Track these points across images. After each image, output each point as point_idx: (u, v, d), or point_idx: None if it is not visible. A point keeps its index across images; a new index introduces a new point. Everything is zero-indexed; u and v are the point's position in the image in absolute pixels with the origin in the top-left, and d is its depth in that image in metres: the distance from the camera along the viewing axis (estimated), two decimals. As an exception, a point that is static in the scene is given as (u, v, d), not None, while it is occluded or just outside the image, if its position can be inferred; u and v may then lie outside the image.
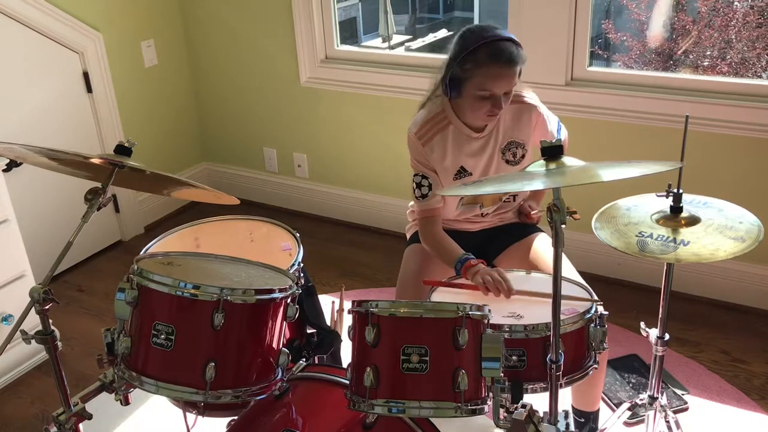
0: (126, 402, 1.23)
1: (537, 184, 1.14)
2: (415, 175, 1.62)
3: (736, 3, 3.75)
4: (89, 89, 2.74)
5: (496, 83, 1.45)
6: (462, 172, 1.61)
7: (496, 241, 1.71)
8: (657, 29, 4.09)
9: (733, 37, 3.76)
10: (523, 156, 1.64)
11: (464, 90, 1.49)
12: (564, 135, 1.71)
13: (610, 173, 1.13)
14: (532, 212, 1.72)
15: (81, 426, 1.21)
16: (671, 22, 3.96)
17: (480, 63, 1.45)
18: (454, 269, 1.50)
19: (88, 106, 2.76)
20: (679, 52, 3.86)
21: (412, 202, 1.85)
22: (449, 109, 1.58)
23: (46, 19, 2.53)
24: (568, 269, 1.55)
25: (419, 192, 1.61)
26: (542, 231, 1.73)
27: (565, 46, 2.33)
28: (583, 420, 1.67)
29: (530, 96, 1.63)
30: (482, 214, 1.70)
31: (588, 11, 2.29)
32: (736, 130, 2.18)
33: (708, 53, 3.89)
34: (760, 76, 3.81)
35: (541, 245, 1.67)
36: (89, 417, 1.22)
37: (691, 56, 3.93)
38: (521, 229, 1.72)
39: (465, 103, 1.53)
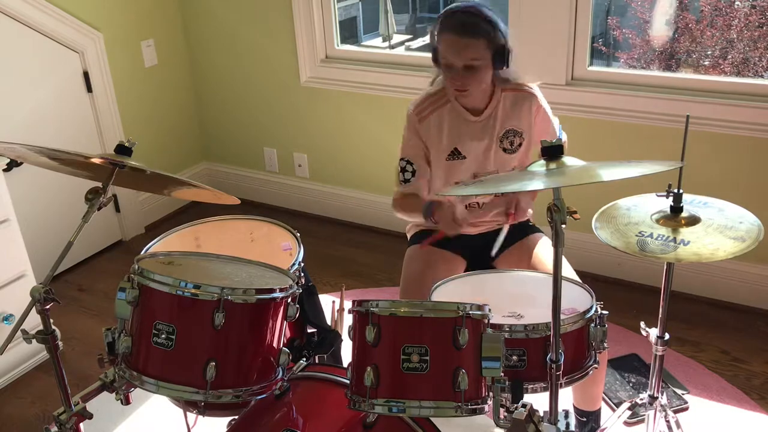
0: (127, 401, 1.23)
1: (537, 184, 1.14)
2: (401, 159, 1.64)
3: (737, 2, 3.75)
4: (89, 89, 2.74)
5: (449, 52, 1.49)
6: (455, 154, 1.62)
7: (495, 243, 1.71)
8: (659, 28, 4.09)
9: (735, 36, 3.76)
10: (520, 145, 1.63)
11: (439, 62, 1.54)
12: (564, 138, 1.71)
13: (611, 173, 1.13)
14: (512, 209, 1.66)
15: (82, 425, 1.21)
16: (674, 20, 3.95)
17: (440, 32, 1.51)
18: (425, 217, 1.54)
19: (88, 106, 2.76)
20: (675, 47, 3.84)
21: None
22: (449, 88, 1.60)
23: (46, 19, 2.53)
24: (567, 270, 1.55)
25: (402, 176, 1.64)
26: (541, 232, 1.73)
27: (566, 45, 2.32)
28: (584, 419, 1.67)
29: (533, 87, 1.64)
30: (479, 204, 1.68)
31: (588, 11, 2.29)
32: (738, 130, 2.17)
33: (709, 53, 3.89)
34: (762, 76, 3.80)
35: (540, 245, 1.67)
36: (90, 416, 1.22)
37: (693, 55, 3.92)
38: (521, 231, 1.72)
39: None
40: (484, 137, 1.61)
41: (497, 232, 1.72)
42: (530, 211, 1.77)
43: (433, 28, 1.54)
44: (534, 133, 1.65)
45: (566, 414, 1.62)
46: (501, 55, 1.51)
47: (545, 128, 1.65)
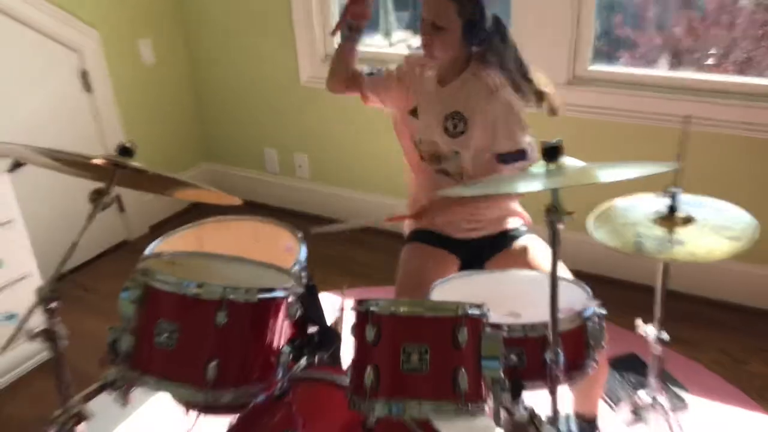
0: (127, 402, 1.24)
1: (536, 185, 1.15)
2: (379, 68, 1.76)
3: (742, 0, 3.73)
4: (88, 88, 2.74)
5: (425, 5, 1.54)
6: (414, 113, 1.69)
7: (490, 246, 1.71)
8: (662, 26, 4.07)
9: (739, 35, 3.75)
10: (462, 132, 1.58)
11: None
12: (533, 158, 1.55)
13: (607, 174, 1.14)
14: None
15: (82, 425, 1.22)
16: (677, 19, 3.94)
17: None
18: (341, 19, 1.72)
19: (87, 106, 2.76)
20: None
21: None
22: None
23: (42, 17, 2.52)
24: (560, 269, 1.55)
25: (368, 70, 1.77)
26: (533, 233, 1.73)
27: (567, 44, 2.33)
28: (584, 424, 1.67)
29: (505, 90, 1.54)
30: (445, 171, 1.66)
31: (591, 9, 2.29)
32: (738, 130, 2.18)
33: (713, 51, 3.87)
34: (766, 76, 3.78)
35: (535, 246, 1.67)
36: (90, 417, 1.22)
37: (695, 54, 3.91)
38: (512, 234, 1.72)
39: None
40: (434, 109, 1.63)
41: (493, 236, 1.71)
42: (520, 210, 1.77)
43: None
44: (476, 134, 1.57)
45: (567, 417, 1.63)
46: (470, 31, 1.51)
47: (491, 138, 1.54)
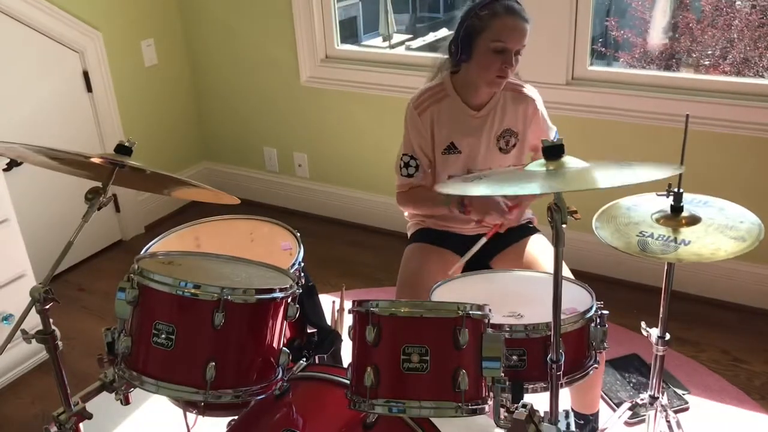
0: (126, 402, 1.23)
1: (535, 188, 1.13)
2: (404, 155, 1.65)
3: (738, 2, 3.75)
4: (89, 89, 2.74)
5: (510, 35, 1.50)
6: (451, 149, 1.63)
7: (492, 244, 1.70)
8: (659, 27, 4.09)
9: (735, 36, 3.76)
10: (514, 146, 1.66)
11: (477, 45, 1.53)
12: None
13: (610, 178, 1.11)
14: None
15: (81, 426, 1.21)
16: (674, 20, 3.95)
17: (497, 13, 1.50)
18: (458, 210, 1.54)
19: (88, 106, 2.76)
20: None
21: None
22: (448, 83, 1.63)
23: (46, 18, 2.53)
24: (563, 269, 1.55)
25: (405, 171, 1.65)
26: (539, 232, 1.73)
27: (566, 45, 2.33)
28: (582, 422, 1.67)
29: (531, 91, 1.66)
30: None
31: (589, 10, 2.29)
32: (738, 129, 2.18)
33: (710, 52, 3.88)
34: (762, 76, 3.80)
35: (537, 246, 1.67)
36: (89, 417, 1.21)
37: (693, 55, 3.92)
38: (518, 231, 1.71)
39: (475, 64, 1.55)
40: (480, 133, 1.63)
41: (496, 234, 1.71)
42: (530, 213, 1.77)
43: (481, 10, 1.50)
44: (528, 138, 1.66)
45: (567, 414, 1.62)
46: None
47: (541, 134, 1.66)
